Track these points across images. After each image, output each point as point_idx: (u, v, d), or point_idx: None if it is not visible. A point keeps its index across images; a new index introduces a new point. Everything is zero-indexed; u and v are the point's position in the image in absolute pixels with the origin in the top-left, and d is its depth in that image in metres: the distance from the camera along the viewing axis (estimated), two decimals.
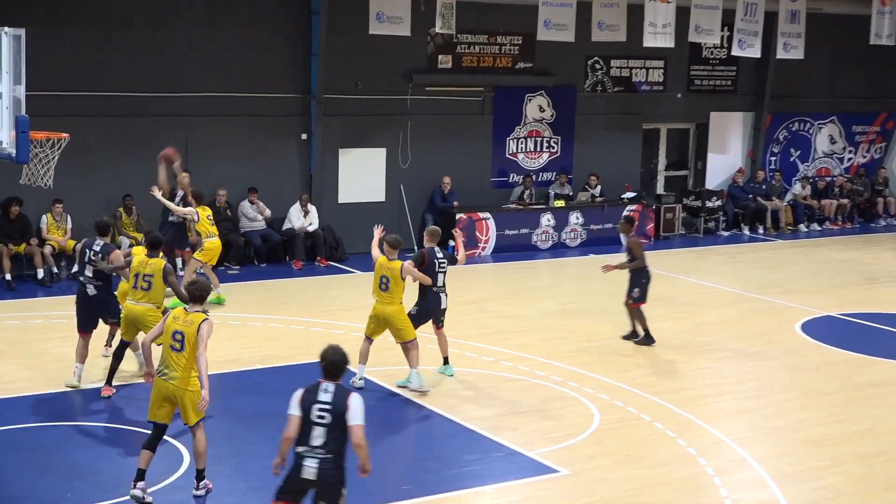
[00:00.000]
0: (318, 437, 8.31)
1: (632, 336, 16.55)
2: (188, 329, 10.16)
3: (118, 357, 13.33)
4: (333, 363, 8.48)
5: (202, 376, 10.14)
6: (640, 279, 16.41)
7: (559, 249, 24.50)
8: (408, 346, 13.82)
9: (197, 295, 10.41)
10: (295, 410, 8.39)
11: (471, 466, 11.53)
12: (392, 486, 10.95)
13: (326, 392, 8.39)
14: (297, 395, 8.45)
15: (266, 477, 10.86)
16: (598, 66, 25.98)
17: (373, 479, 10.94)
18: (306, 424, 8.34)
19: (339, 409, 8.30)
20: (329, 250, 22.37)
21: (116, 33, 20.60)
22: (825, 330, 17.71)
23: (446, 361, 14.61)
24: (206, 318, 10.28)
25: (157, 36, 20.96)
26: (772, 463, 11.83)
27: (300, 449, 8.36)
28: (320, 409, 8.33)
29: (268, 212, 21.83)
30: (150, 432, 10.41)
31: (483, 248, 23.73)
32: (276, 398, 13.42)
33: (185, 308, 10.42)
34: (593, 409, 13.42)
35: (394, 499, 10.51)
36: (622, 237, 17.06)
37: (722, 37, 26.25)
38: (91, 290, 13.48)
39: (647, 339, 16.41)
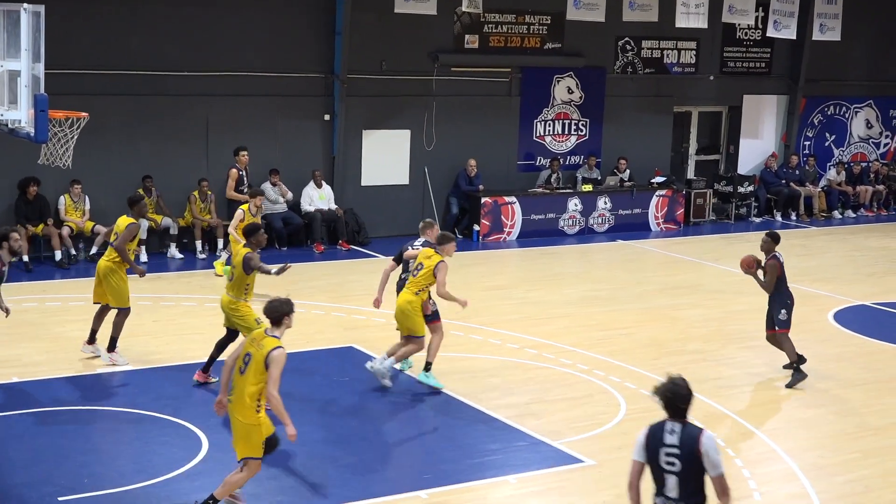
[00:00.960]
0: (671, 487, 7.35)
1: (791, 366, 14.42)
2: (257, 352, 9.24)
3: (220, 346, 13.05)
4: (671, 398, 7.43)
5: (279, 414, 9.24)
6: (784, 300, 14.42)
7: (586, 235, 24.46)
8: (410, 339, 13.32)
9: (272, 316, 9.45)
10: (638, 455, 7.46)
11: (493, 456, 11.54)
12: (413, 474, 10.98)
13: (672, 433, 7.37)
14: (642, 436, 7.48)
15: (285, 463, 10.94)
16: (628, 47, 25.89)
17: (393, 468, 11.01)
18: (656, 472, 7.38)
19: (689, 454, 7.29)
20: (351, 234, 22.41)
21: (138, 11, 20.64)
22: (859, 319, 17.63)
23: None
24: (279, 347, 9.23)
25: (178, 13, 21.00)
26: (802, 455, 11.80)
27: (657, 500, 7.45)
28: (668, 455, 7.35)
29: (289, 194, 21.88)
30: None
31: (509, 233, 23.72)
32: (296, 382, 13.51)
33: (265, 330, 9.47)
34: (620, 398, 13.42)
35: (414, 487, 10.54)
36: (762, 256, 14.64)
37: (756, 17, 26.13)
38: None
39: (799, 373, 14.24)
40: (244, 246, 12.88)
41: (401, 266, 13.98)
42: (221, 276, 18.32)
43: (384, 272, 13.89)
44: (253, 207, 17.42)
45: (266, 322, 9.60)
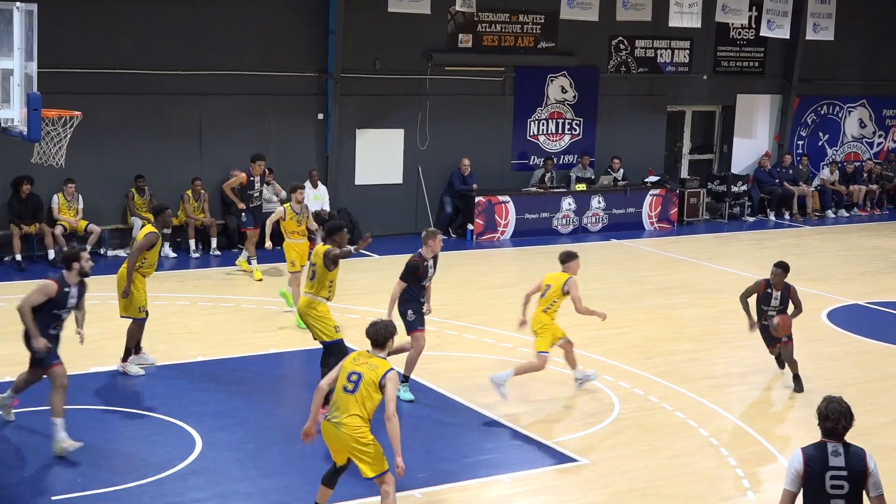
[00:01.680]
0: None
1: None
2: (368, 372, 9.07)
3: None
4: (839, 418, 7.19)
5: (394, 439, 9.05)
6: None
7: (580, 234, 24.48)
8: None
9: (375, 338, 9.31)
10: (792, 485, 7.14)
11: (487, 455, 11.55)
12: (408, 473, 10.97)
13: (837, 455, 7.12)
14: (798, 463, 7.13)
15: (279, 464, 10.94)
16: (622, 47, 25.90)
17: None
18: (819, 498, 7.06)
19: (857, 475, 7.07)
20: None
21: (131, 9, 20.63)
22: (852, 319, 17.66)
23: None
24: (392, 369, 9.12)
25: (171, 12, 20.99)
26: None
27: None
28: (835, 478, 7.04)
29: (283, 193, 21.81)
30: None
31: (502, 233, 23.73)
32: (290, 383, 13.53)
33: (368, 350, 9.33)
34: (613, 397, 13.43)
35: (408, 486, 10.53)
36: (775, 290, 13.87)
37: (750, 17, 26.16)
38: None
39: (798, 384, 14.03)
40: (324, 243, 12.64)
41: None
42: (247, 272, 19.12)
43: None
44: (295, 204, 16.92)
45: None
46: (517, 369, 13.01)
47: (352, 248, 12.76)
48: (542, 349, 13.05)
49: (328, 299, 12.46)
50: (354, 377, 9.05)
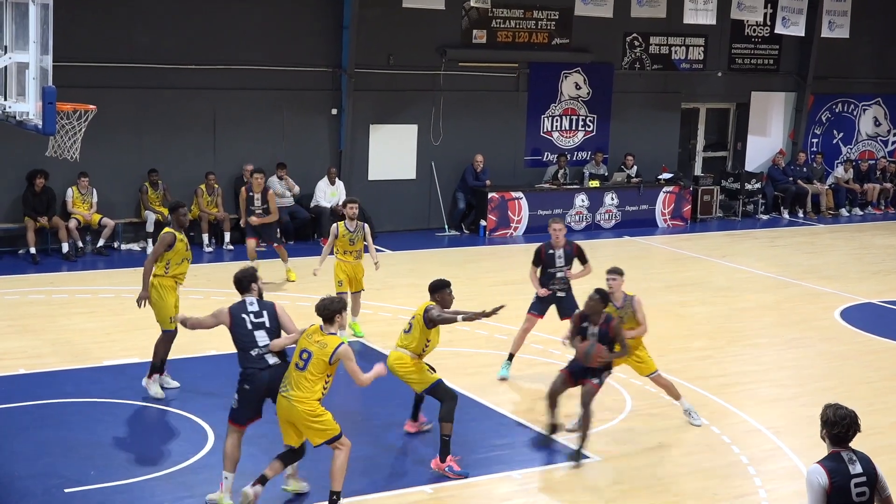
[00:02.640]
0: None
1: None
2: (318, 351, 9.44)
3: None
4: (849, 426, 7.08)
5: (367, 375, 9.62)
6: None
7: (593, 231, 24.47)
8: None
9: (323, 314, 9.63)
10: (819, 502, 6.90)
11: (498, 451, 11.55)
12: (418, 469, 10.99)
13: (853, 462, 6.98)
14: (821, 477, 6.89)
15: None
16: (636, 43, 25.86)
17: (398, 463, 11.02)
18: None
19: (873, 478, 6.98)
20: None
21: (144, 4, 20.68)
22: (866, 317, 17.62)
23: None
24: (343, 343, 9.52)
25: (185, 7, 21.04)
26: (808, 453, 11.77)
27: None
28: (858, 485, 6.91)
29: (296, 188, 21.90)
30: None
31: (515, 229, 23.72)
32: None
33: (320, 327, 9.64)
34: (625, 394, 13.41)
35: (419, 482, 10.55)
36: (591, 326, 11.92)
37: (765, 14, 26.12)
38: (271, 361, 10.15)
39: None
40: (431, 299, 11.28)
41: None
42: (294, 281, 18.51)
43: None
44: (349, 222, 15.34)
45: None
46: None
47: (460, 316, 11.24)
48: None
49: (420, 356, 11.18)
50: (305, 355, 9.47)
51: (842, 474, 6.86)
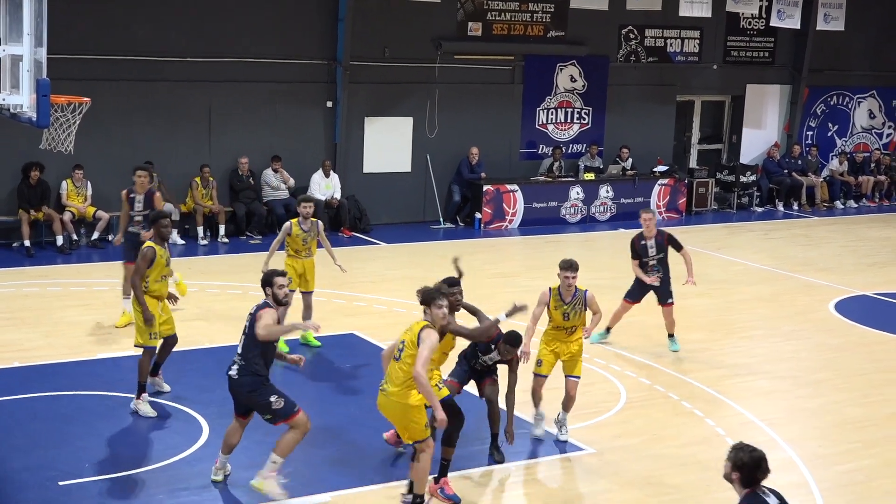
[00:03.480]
0: None
1: None
2: (408, 336, 9.43)
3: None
4: (766, 468, 6.97)
5: (427, 395, 9.24)
6: None
7: (588, 223, 24.46)
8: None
9: (421, 300, 9.72)
10: None
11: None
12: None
13: (768, 495, 6.96)
14: None
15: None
16: (631, 36, 25.84)
17: (394, 453, 11.01)
18: None
19: None
20: (353, 221, 22.41)
21: None
22: (860, 310, 17.63)
23: None
24: (427, 327, 9.38)
25: None
26: (802, 445, 11.81)
27: None
28: None
29: (291, 181, 21.88)
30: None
31: (510, 221, 23.72)
32: (296, 370, 13.49)
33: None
34: (620, 386, 13.42)
35: None
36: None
37: (760, 7, 26.11)
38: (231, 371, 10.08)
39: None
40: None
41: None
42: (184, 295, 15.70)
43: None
44: (303, 221, 14.39)
45: None
46: None
47: (493, 322, 10.66)
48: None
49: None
50: (400, 345, 9.44)
51: None
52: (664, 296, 14.79)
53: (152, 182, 15.82)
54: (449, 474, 10.38)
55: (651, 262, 14.70)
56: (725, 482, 10.67)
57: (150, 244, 12.13)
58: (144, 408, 11.99)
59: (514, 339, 10.94)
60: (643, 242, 14.79)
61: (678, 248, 14.90)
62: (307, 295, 14.53)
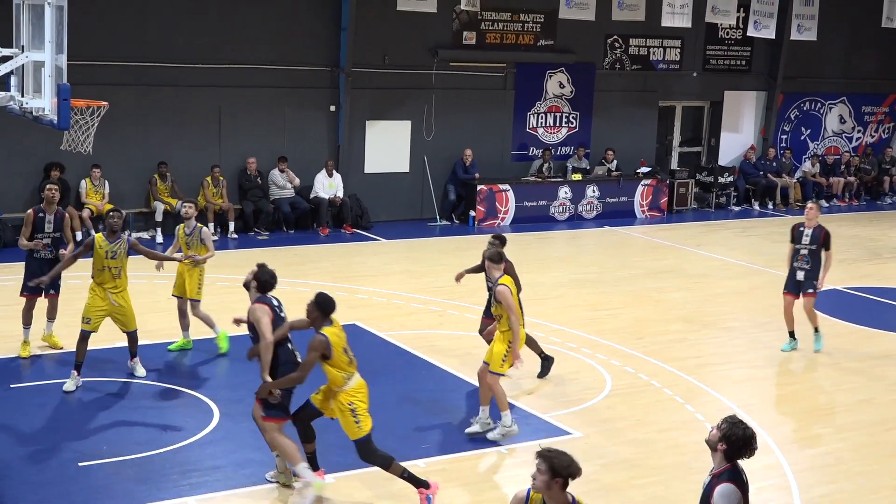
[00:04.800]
0: None
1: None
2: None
3: None
4: (740, 442, 6.70)
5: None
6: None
7: (575, 221, 24.47)
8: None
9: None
10: None
11: (487, 428, 11.54)
12: (412, 444, 11.00)
13: (744, 472, 6.76)
14: (735, 493, 6.54)
15: (292, 434, 10.96)
16: (616, 45, 25.84)
17: (393, 438, 11.03)
18: None
19: None
20: (355, 218, 22.40)
21: (154, 6, 20.60)
22: (831, 303, 17.64)
23: None
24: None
25: (192, 9, 20.97)
26: (777, 429, 11.83)
27: None
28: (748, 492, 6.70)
29: (297, 180, 21.87)
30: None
31: (502, 219, 23.72)
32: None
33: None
34: (605, 374, 13.43)
35: (413, 457, 10.55)
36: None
37: (738, 17, 26.08)
38: None
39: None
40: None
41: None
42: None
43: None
44: (186, 225, 13.62)
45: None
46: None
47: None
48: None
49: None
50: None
51: (745, 486, 6.61)
52: (805, 286, 14.54)
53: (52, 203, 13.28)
54: (444, 456, 10.39)
55: (802, 251, 14.57)
56: (705, 464, 10.68)
57: (99, 234, 12.37)
58: (69, 384, 12.04)
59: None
60: (801, 229, 14.70)
61: (827, 248, 14.71)
62: (195, 304, 13.55)
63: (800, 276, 14.57)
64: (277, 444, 9.58)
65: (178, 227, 13.74)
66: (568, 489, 6.38)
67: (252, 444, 10.50)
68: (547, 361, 13.20)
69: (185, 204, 13.74)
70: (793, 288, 14.66)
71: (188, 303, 13.54)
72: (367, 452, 9.41)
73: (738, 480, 6.58)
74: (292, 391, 9.65)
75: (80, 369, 12.13)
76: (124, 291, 12.43)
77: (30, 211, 13.11)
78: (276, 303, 9.86)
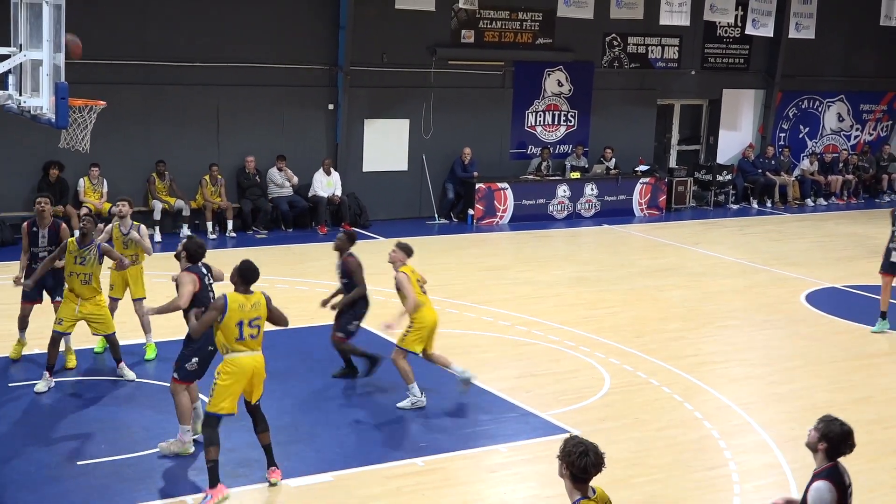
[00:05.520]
0: None
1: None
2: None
3: None
4: (853, 443, 6.77)
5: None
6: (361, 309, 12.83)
7: (574, 219, 24.46)
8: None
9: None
10: None
11: (485, 426, 11.56)
12: (410, 443, 11.00)
13: (845, 472, 6.76)
14: (829, 492, 6.58)
15: (286, 433, 10.95)
16: (615, 43, 25.83)
17: (391, 437, 11.03)
18: None
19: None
20: (353, 217, 22.39)
21: (152, 4, 20.58)
22: (829, 301, 17.65)
23: None
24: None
25: (191, 7, 20.96)
26: (775, 428, 11.82)
27: None
28: (850, 494, 6.70)
29: (295, 179, 21.87)
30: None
31: (501, 217, 23.71)
32: (299, 357, 13.52)
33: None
34: (604, 373, 13.43)
35: (412, 455, 10.55)
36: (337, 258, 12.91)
37: (736, 16, 26.07)
38: None
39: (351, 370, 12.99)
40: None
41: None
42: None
43: None
44: (122, 223, 13.23)
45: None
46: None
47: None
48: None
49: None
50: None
51: (844, 487, 6.62)
52: (886, 265, 15.60)
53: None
54: (443, 455, 10.40)
55: None
56: (703, 462, 10.71)
57: (71, 238, 12.29)
58: (40, 385, 12.01)
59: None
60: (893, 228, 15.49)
61: None
62: (138, 303, 13.36)
63: (894, 257, 15.50)
64: (176, 401, 10.29)
65: (110, 225, 13.28)
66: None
67: (250, 444, 10.48)
68: (372, 363, 12.76)
69: (119, 203, 13.30)
70: (888, 268, 15.60)
71: (134, 303, 13.37)
72: (207, 426, 9.59)
73: (837, 480, 6.61)
74: (207, 364, 10.31)
75: (52, 371, 12.07)
76: (96, 298, 12.19)
77: (24, 224, 12.97)
78: (204, 271, 10.59)
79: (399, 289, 11.93)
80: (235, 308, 9.35)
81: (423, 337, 11.91)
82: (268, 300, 9.63)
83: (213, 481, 9.40)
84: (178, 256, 10.64)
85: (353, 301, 12.59)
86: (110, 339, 12.44)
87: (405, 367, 11.89)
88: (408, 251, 12.13)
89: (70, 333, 12.40)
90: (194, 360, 10.24)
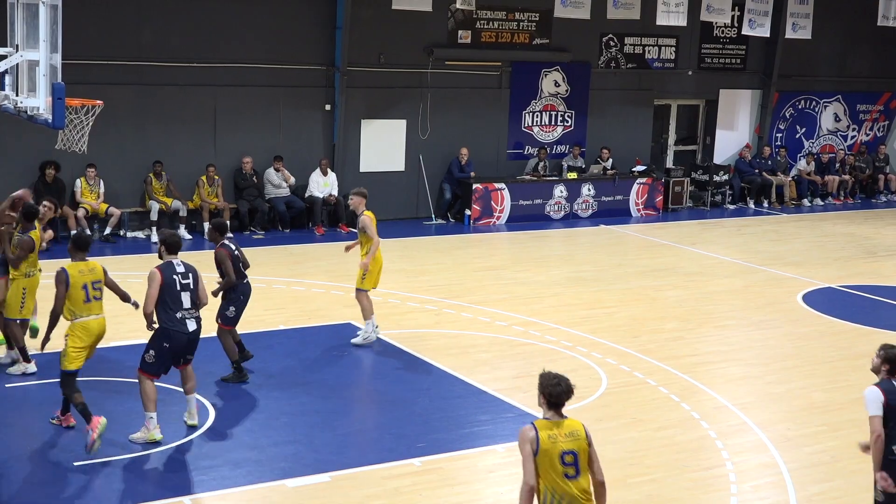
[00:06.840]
0: None
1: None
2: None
3: None
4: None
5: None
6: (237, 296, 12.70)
7: (571, 220, 24.46)
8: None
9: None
10: (878, 410, 8.12)
11: (483, 426, 11.56)
12: (407, 443, 11.00)
13: None
14: (878, 394, 8.21)
15: (288, 432, 10.95)
16: (612, 44, 25.83)
17: (388, 437, 11.03)
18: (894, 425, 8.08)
19: None
20: (350, 217, 22.36)
21: (149, 5, 20.56)
22: (826, 301, 17.66)
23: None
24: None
25: (187, 8, 20.93)
26: (772, 427, 11.83)
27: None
28: None
29: (292, 179, 21.85)
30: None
31: (498, 218, 23.71)
32: (297, 358, 13.52)
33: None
34: (601, 373, 13.43)
35: (409, 456, 10.55)
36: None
37: (733, 16, 26.10)
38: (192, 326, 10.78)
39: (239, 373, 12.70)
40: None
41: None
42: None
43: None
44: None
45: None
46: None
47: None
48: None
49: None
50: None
51: (892, 392, 8.10)
52: None
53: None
54: (440, 455, 10.38)
55: None
56: (700, 462, 10.73)
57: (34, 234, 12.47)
58: (16, 367, 12.45)
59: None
60: None
61: None
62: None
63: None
64: (141, 388, 10.67)
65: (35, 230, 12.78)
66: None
67: (248, 444, 10.49)
68: (239, 371, 12.64)
69: (44, 204, 13.27)
70: None
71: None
72: (65, 385, 10.58)
73: (887, 387, 8.16)
74: (169, 357, 10.66)
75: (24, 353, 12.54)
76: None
77: (2, 229, 12.88)
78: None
79: (364, 230, 13.81)
80: (76, 274, 10.51)
81: (375, 277, 13.99)
82: (104, 270, 10.83)
83: (88, 417, 10.23)
84: (160, 254, 11.14)
85: (224, 291, 12.54)
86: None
87: (365, 304, 13.89)
88: (364, 195, 14.32)
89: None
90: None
